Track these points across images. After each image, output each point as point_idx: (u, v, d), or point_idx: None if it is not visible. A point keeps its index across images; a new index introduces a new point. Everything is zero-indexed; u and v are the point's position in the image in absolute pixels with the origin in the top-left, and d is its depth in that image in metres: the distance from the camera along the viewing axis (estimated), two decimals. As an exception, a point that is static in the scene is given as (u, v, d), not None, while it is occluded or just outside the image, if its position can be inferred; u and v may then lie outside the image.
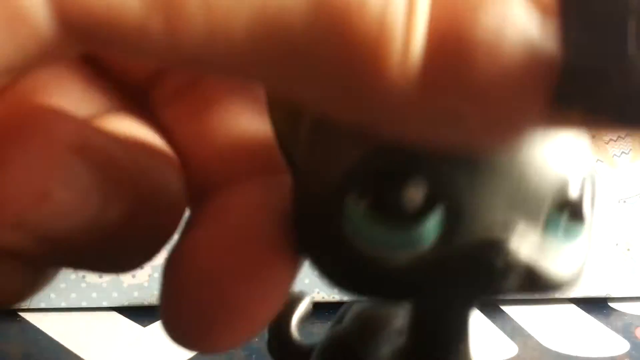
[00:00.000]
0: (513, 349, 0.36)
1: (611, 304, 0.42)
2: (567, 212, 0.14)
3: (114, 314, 0.40)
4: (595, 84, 0.12)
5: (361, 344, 0.20)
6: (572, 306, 0.42)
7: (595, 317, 0.40)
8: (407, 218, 0.13)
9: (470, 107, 0.11)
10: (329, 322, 0.40)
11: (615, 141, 0.41)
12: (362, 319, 0.21)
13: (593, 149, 0.45)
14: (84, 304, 0.40)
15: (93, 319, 0.39)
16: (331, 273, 0.15)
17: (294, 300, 0.26)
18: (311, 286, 0.41)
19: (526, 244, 0.14)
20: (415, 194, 0.13)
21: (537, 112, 0.11)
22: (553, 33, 0.11)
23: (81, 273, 0.40)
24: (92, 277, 0.40)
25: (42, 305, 0.40)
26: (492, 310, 0.41)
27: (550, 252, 0.14)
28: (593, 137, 0.44)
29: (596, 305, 0.42)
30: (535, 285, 0.14)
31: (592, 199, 0.15)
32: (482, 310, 0.41)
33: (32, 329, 0.38)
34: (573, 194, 0.14)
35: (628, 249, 0.42)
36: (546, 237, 0.14)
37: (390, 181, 0.13)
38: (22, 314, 0.40)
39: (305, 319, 0.26)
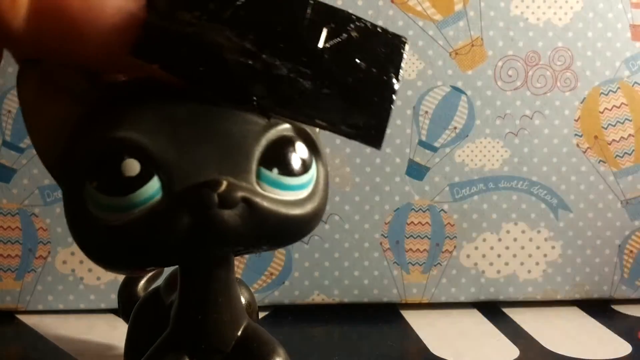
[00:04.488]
0: (515, 351, 0.36)
1: (614, 307, 0.42)
2: (276, 169, 0.18)
3: (112, 316, 0.40)
4: (170, 45, 0.17)
5: (165, 292, 0.26)
6: (575, 308, 0.42)
7: (598, 319, 0.40)
8: (127, 190, 0.17)
9: (75, 37, 0.17)
10: (328, 325, 0.39)
11: (617, 142, 0.40)
12: (171, 276, 0.27)
13: (596, 150, 0.45)
14: (81, 306, 0.40)
15: (91, 321, 0.39)
16: (89, 247, 0.18)
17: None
18: (311, 288, 0.41)
19: (240, 189, 0.18)
20: (128, 172, 0.17)
21: (125, 51, 0.17)
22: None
23: (79, 276, 0.40)
24: (89, 280, 0.40)
25: (40, 308, 0.40)
26: (494, 313, 0.41)
27: (266, 196, 0.18)
28: (595, 137, 0.44)
29: (599, 308, 0.42)
30: (258, 221, 0.18)
31: (310, 156, 0.19)
32: (484, 313, 0.41)
33: (30, 331, 0.38)
34: (280, 156, 0.19)
35: (631, 251, 0.42)
36: (261, 185, 0.18)
37: (106, 167, 0.18)
38: (19, 317, 0.40)
39: (152, 281, 0.32)
